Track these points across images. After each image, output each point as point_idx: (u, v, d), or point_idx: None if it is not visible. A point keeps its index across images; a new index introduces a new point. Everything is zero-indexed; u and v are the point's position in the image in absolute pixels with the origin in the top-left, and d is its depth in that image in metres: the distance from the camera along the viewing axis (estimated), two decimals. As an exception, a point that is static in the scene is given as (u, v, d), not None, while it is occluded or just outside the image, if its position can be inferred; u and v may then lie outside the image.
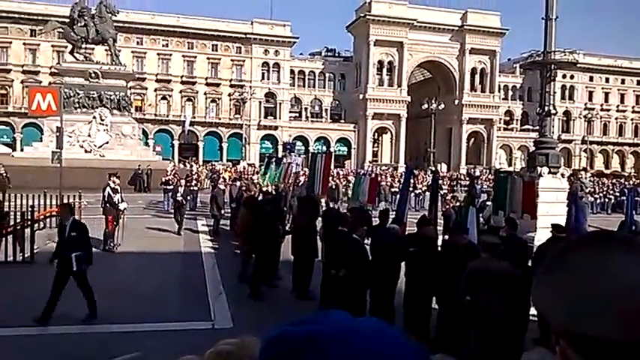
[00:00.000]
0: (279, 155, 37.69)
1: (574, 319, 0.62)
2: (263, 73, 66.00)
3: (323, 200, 13.75)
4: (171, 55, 63.16)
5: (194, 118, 61.20)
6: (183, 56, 63.51)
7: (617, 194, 30.93)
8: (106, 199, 12.74)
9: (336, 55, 76.02)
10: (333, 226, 8.43)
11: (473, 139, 71.87)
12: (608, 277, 0.62)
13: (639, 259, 0.63)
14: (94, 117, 31.75)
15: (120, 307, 8.09)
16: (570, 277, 0.64)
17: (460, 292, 5.86)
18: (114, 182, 12.94)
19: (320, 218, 10.35)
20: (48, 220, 13.51)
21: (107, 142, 31.74)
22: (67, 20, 34.74)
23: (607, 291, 0.60)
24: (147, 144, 48.73)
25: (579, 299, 0.62)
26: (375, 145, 71.20)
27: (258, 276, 9.26)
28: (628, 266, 0.62)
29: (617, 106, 77.00)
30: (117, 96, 33.50)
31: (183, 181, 17.91)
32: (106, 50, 38.01)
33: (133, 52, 60.68)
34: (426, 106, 54.61)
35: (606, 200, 30.72)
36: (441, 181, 28.34)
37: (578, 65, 42.29)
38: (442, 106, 57.70)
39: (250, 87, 63.52)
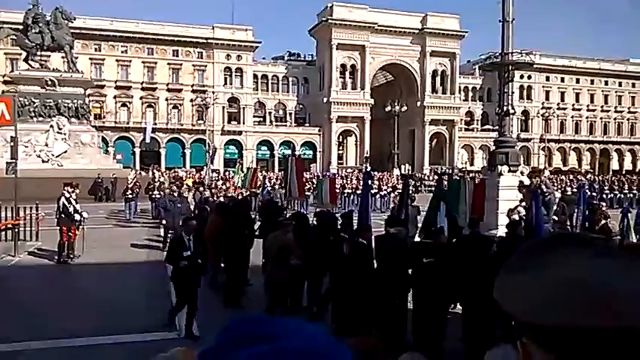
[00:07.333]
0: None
1: (536, 311, 0.64)
2: (225, 78, 65.50)
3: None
4: (130, 61, 61.99)
5: (155, 124, 60.07)
6: (143, 62, 62.43)
7: (575, 190, 31.74)
8: (61, 209, 12.24)
9: (299, 59, 76.08)
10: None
11: (435, 140, 72.98)
12: (571, 268, 0.64)
13: (601, 253, 0.65)
14: (51, 126, 30.85)
15: (83, 319, 7.85)
16: (534, 273, 0.66)
17: None
18: (69, 192, 12.44)
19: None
20: (3, 233, 13.03)
21: (65, 152, 30.86)
22: (21, 27, 33.69)
23: (569, 280, 0.62)
24: (107, 152, 47.64)
25: (542, 291, 0.64)
26: (341, 148, 71.50)
27: (230, 283, 9.13)
28: (591, 259, 0.64)
29: (573, 105, 79.45)
30: (75, 104, 32.64)
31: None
32: (62, 57, 36.96)
33: (91, 58, 59.32)
34: (389, 108, 55.14)
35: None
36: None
37: (535, 66, 43.40)
38: (405, 108, 58.39)
39: (213, 92, 62.75)
